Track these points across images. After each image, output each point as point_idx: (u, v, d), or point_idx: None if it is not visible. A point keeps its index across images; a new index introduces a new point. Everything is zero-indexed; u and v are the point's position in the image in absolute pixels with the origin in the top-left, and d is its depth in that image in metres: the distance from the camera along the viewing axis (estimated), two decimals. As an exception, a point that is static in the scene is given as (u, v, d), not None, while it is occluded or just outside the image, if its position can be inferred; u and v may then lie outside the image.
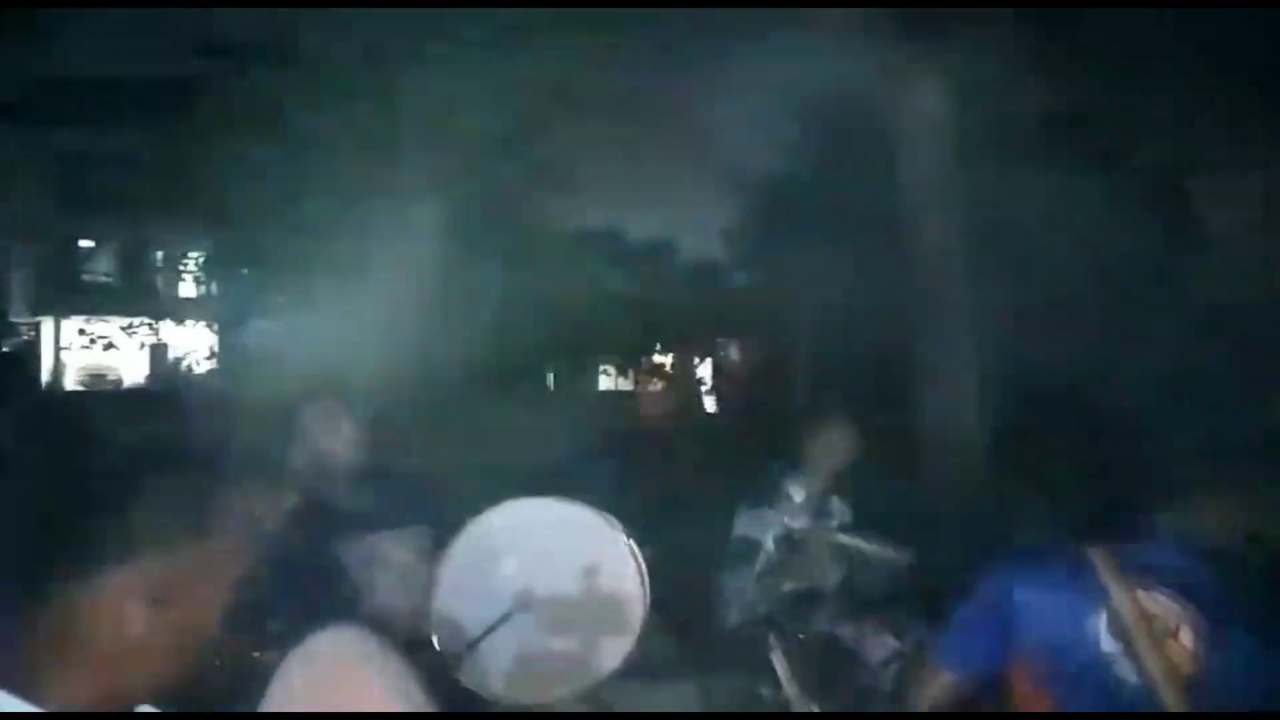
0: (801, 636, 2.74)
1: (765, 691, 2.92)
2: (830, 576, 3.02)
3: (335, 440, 2.77)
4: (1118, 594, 1.80)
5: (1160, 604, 1.80)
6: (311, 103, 6.57)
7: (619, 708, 4.07)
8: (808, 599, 2.98)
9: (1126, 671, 1.81)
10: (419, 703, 1.40)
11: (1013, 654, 1.96)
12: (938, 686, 2.18)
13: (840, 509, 3.40)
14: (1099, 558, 1.86)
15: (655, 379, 28.02)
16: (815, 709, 2.76)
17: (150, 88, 8.43)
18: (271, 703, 1.20)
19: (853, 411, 3.49)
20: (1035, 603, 1.92)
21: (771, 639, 2.89)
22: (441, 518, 2.96)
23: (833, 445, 3.33)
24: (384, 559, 2.79)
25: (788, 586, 3.05)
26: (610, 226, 28.34)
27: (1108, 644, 1.83)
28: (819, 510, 3.30)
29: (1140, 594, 1.81)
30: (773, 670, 2.86)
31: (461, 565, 2.79)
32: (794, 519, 3.21)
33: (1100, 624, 1.84)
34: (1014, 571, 1.98)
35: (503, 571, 2.81)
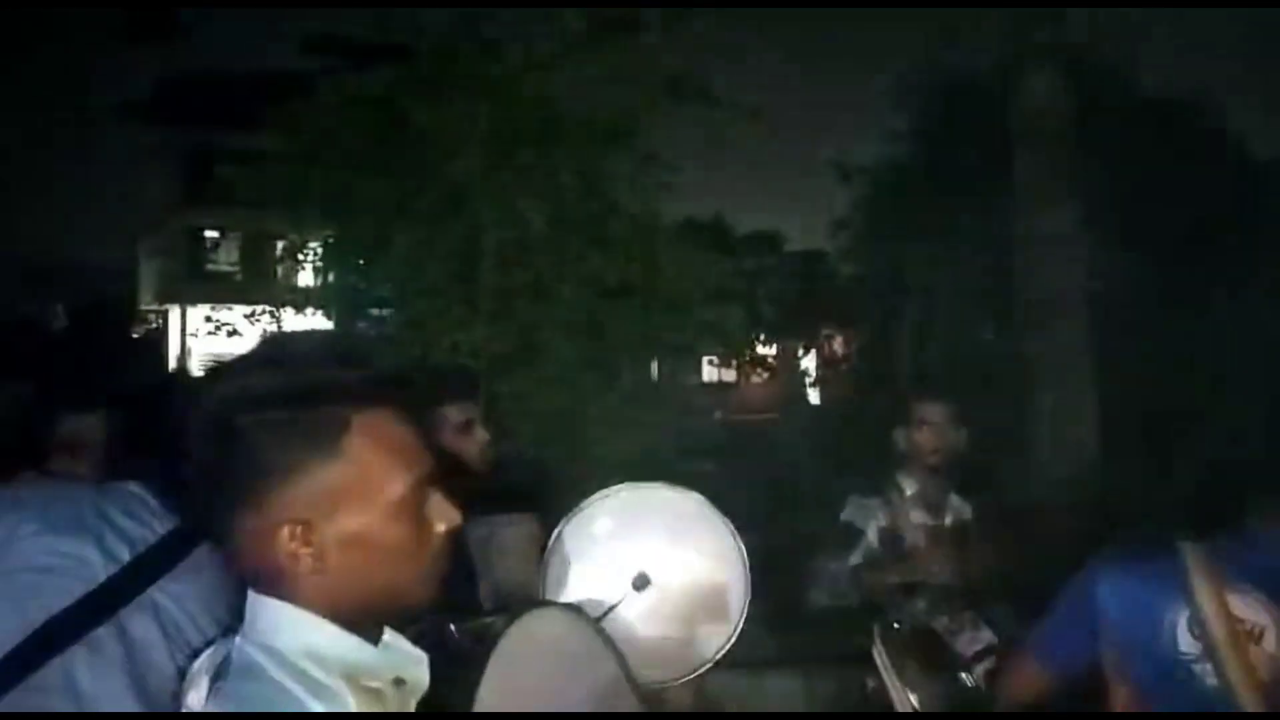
0: (897, 626, 2.76)
1: (870, 682, 2.94)
2: (931, 572, 3.03)
3: (468, 444, 2.88)
4: (1203, 594, 1.79)
5: (1247, 607, 1.79)
6: (425, 96, 6.77)
7: (724, 698, 4.14)
8: (906, 590, 3.00)
9: (1206, 673, 1.80)
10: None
11: (1098, 649, 1.97)
12: (1025, 678, 2.19)
13: (959, 505, 3.37)
14: (1191, 556, 1.85)
15: (760, 370, 27.93)
16: (914, 701, 2.77)
17: (271, 84, 8.75)
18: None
19: (960, 405, 3.46)
20: (1120, 597, 1.92)
21: (875, 630, 2.92)
22: (551, 504, 3.06)
23: (937, 439, 3.31)
24: (499, 542, 2.90)
25: (888, 579, 3.07)
26: (717, 217, 28.41)
27: (1187, 644, 1.82)
28: (933, 504, 3.30)
29: (1228, 595, 1.79)
30: (872, 661, 2.88)
31: (569, 548, 2.88)
32: (902, 510, 3.22)
33: (1181, 623, 1.83)
34: (1104, 565, 1.98)
35: (609, 555, 2.89)
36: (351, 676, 1.08)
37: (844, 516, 3.25)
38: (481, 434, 2.89)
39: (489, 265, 6.90)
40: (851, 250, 17.90)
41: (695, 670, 2.89)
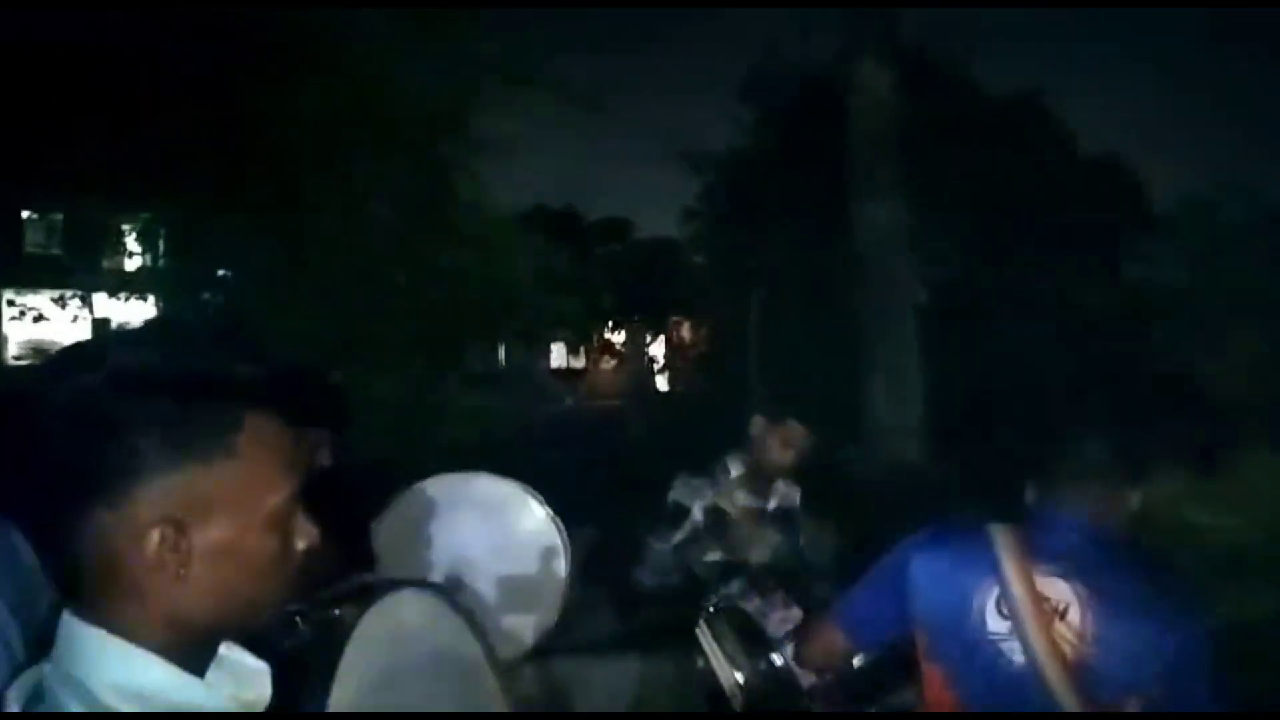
0: (714, 608, 2.78)
1: (700, 661, 2.95)
2: (751, 552, 3.07)
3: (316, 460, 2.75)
4: (1011, 573, 1.84)
5: (1051, 586, 1.84)
6: (253, 74, 6.50)
7: (564, 681, 4.12)
8: (725, 572, 3.03)
9: (1014, 651, 1.84)
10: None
11: (904, 622, 2.00)
12: (825, 643, 2.23)
13: (785, 491, 3.40)
14: (999, 537, 1.89)
15: (607, 357, 28.07)
16: (738, 679, 2.79)
17: (95, 57, 8.25)
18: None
19: (801, 398, 3.51)
20: (931, 576, 1.95)
21: (703, 612, 2.93)
22: (378, 491, 2.98)
23: (781, 433, 3.32)
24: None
25: (709, 557, 3.10)
26: (567, 206, 28.38)
27: (995, 623, 1.86)
28: (757, 488, 3.33)
29: (1035, 575, 1.84)
30: (700, 642, 2.90)
31: (390, 536, 2.82)
32: (727, 491, 3.25)
33: (990, 603, 1.88)
34: (916, 543, 2.02)
35: (428, 543, 2.85)
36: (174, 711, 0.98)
37: (672, 495, 3.26)
38: (328, 458, 2.79)
39: (319, 250, 6.68)
40: (700, 239, 18.15)
41: (515, 654, 2.88)
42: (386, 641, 1.33)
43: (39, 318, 11.43)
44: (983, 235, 11.53)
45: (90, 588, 0.99)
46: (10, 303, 17.12)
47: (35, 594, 1.68)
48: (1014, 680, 1.82)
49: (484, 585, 2.92)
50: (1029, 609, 1.81)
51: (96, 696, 0.96)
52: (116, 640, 0.98)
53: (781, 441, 3.20)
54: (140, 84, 6.99)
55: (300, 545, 1.07)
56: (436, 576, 2.87)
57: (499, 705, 1.56)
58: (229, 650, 1.09)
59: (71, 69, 7.82)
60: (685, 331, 22.93)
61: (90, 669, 0.97)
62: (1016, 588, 1.82)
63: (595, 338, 27.33)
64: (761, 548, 3.07)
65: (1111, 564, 1.83)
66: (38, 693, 0.98)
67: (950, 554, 1.96)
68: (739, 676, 2.81)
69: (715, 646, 2.88)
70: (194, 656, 1.03)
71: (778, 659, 2.72)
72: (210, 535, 0.99)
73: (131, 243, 7.91)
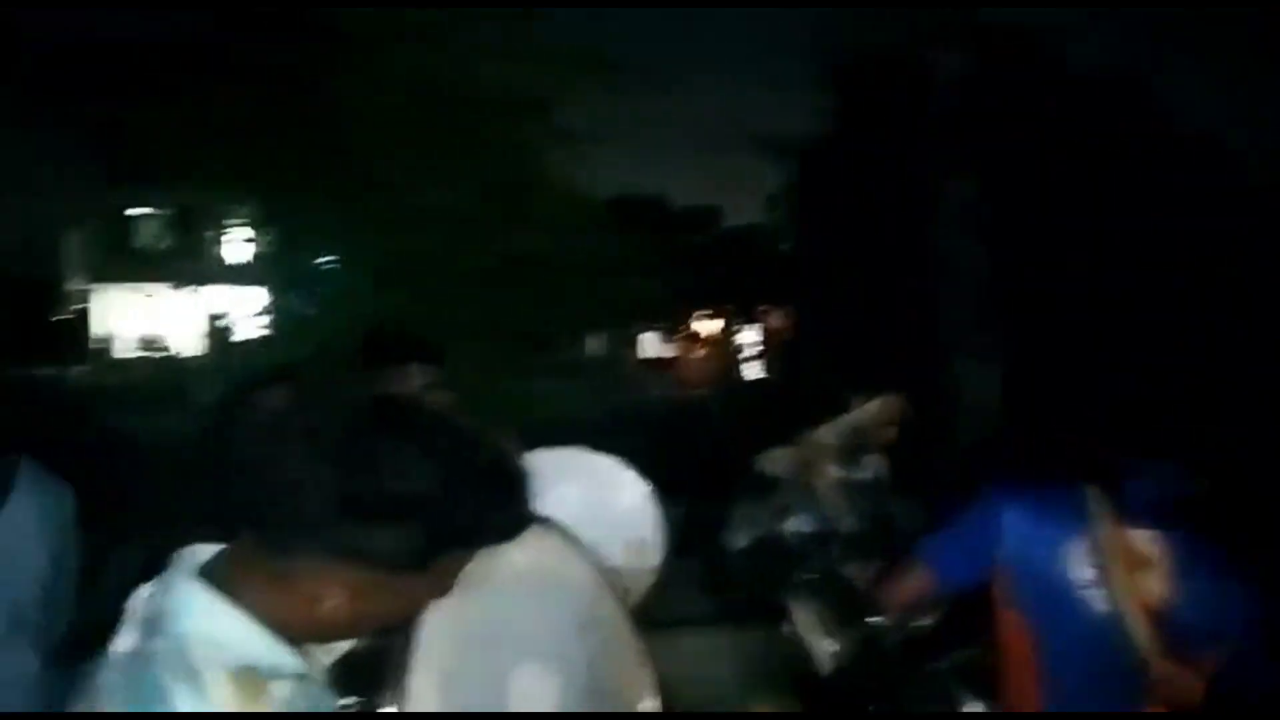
0: (810, 576, 2.83)
1: (788, 631, 2.99)
2: (843, 522, 3.11)
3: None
4: (1101, 525, 1.89)
5: (1140, 540, 1.89)
6: (338, 68, 6.68)
7: (659, 657, 4.19)
8: (819, 540, 3.08)
9: (1098, 599, 1.89)
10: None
11: (991, 568, 2.05)
12: (912, 584, 2.27)
13: (875, 463, 3.43)
14: (1093, 493, 1.94)
15: (695, 345, 28.13)
16: (830, 648, 2.83)
17: (182, 54, 8.55)
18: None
19: (893, 373, 3.55)
20: (1022, 523, 2.01)
21: (796, 580, 2.97)
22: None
23: (878, 406, 3.36)
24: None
25: (798, 525, 3.15)
26: (657, 194, 28.47)
27: (1083, 571, 1.91)
28: (849, 459, 3.37)
29: (1124, 529, 1.89)
30: (790, 611, 2.94)
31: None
32: (817, 462, 3.30)
33: (1079, 551, 1.92)
34: (1009, 493, 2.06)
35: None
36: (245, 670, 1.06)
37: (759, 467, 3.32)
38: (443, 397, 2.91)
39: (401, 235, 6.85)
40: (786, 226, 18.08)
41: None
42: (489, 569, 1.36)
43: (158, 312, 11.84)
44: (1065, 215, 11.30)
45: (235, 569, 1.09)
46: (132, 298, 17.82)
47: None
48: (1095, 628, 1.87)
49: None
50: (1116, 558, 1.85)
51: (184, 649, 1.05)
52: (217, 601, 1.07)
53: (879, 414, 3.25)
54: (229, 76, 7.20)
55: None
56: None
57: (620, 625, 1.62)
58: None
59: (164, 64, 8.10)
60: (773, 319, 22.86)
61: (183, 619, 1.07)
62: (1105, 538, 1.87)
63: (682, 327, 27.42)
64: (852, 517, 3.11)
65: (1195, 525, 1.87)
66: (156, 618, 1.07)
67: (1042, 503, 2.01)
68: (831, 644, 2.86)
69: (807, 614, 2.93)
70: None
71: (870, 627, 2.76)
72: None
73: (228, 234, 8.17)
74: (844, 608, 2.83)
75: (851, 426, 3.31)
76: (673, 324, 26.30)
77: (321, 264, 7.84)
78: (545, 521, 1.59)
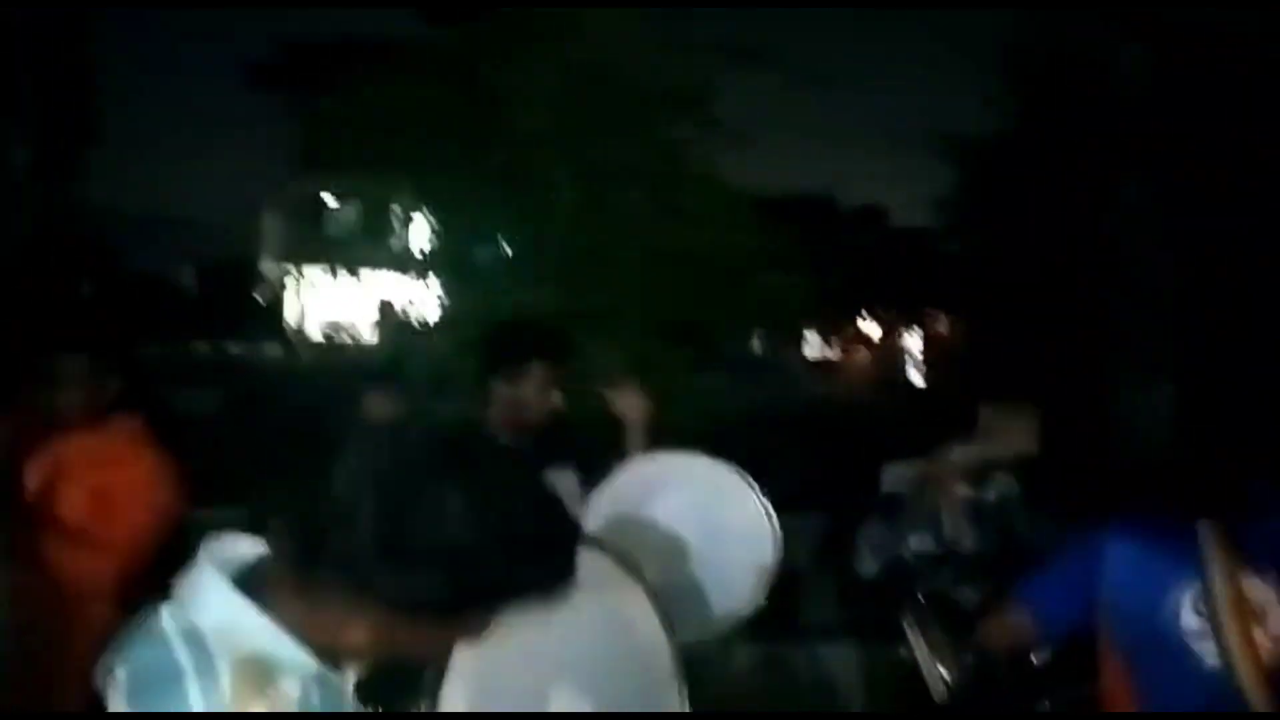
0: (925, 598, 2.75)
1: (904, 653, 2.94)
2: (962, 539, 3.00)
3: (541, 398, 2.95)
4: (1216, 571, 1.74)
5: (1255, 587, 1.74)
6: (496, 56, 6.85)
7: (782, 666, 4.19)
8: (937, 561, 2.99)
9: (1206, 652, 1.75)
10: None
11: (1092, 611, 1.93)
12: (1009, 628, 2.17)
13: (1006, 481, 3.31)
14: (1207, 531, 1.80)
15: (859, 348, 27.64)
16: (944, 674, 2.76)
17: (360, 48, 8.95)
18: None
19: (1034, 387, 3.41)
20: (1127, 566, 1.88)
21: (912, 603, 2.91)
22: (595, 464, 3.11)
23: (1008, 424, 3.24)
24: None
25: (917, 545, 3.06)
26: (825, 191, 28.12)
27: (1190, 620, 1.77)
28: (976, 478, 3.26)
29: (1240, 575, 1.74)
30: (906, 633, 2.88)
31: (605, 507, 2.95)
32: (943, 481, 3.20)
33: (1187, 599, 1.78)
34: (1113, 532, 1.94)
35: (640, 518, 2.96)
36: (255, 660, 1.09)
37: (886, 486, 3.24)
38: (557, 395, 2.97)
39: (557, 226, 6.98)
40: (955, 228, 17.50)
41: (715, 633, 2.94)
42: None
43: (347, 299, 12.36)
44: (1248, 219, 10.50)
45: (268, 576, 1.13)
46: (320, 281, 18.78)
47: None
48: (1203, 680, 1.74)
49: (690, 567, 2.99)
50: (1230, 609, 1.71)
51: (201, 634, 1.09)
52: (234, 595, 1.10)
53: (1002, 431, 3.12)
54: (405, 69, 7.46)
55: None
56: (645, 552, 2.96)
57: (661, 650, 1.57)
58: None
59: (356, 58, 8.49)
60: (940, 323, 22.20)
61: (200, 606, 1.11)
62: (1219, 586, 1.73)
63: (848, 328, 27.03)
64: (975, 539, 3.00)
65: None
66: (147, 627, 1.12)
67: (1149, 546, 1.88)
68: (944, 671, 2.78)
69: (921, 639, 2.86)
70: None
71: (982, 658, 2.67)
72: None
73: (398, 223, 8.48)
74: (958, 636, 2.75)
75: (982, 442, 3.19)
76: (837, 325, 25.95)
77: (485, 256, 8.09)
78: (596, 542, 1.59)
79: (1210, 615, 1.74)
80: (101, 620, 2.19)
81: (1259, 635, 1.71)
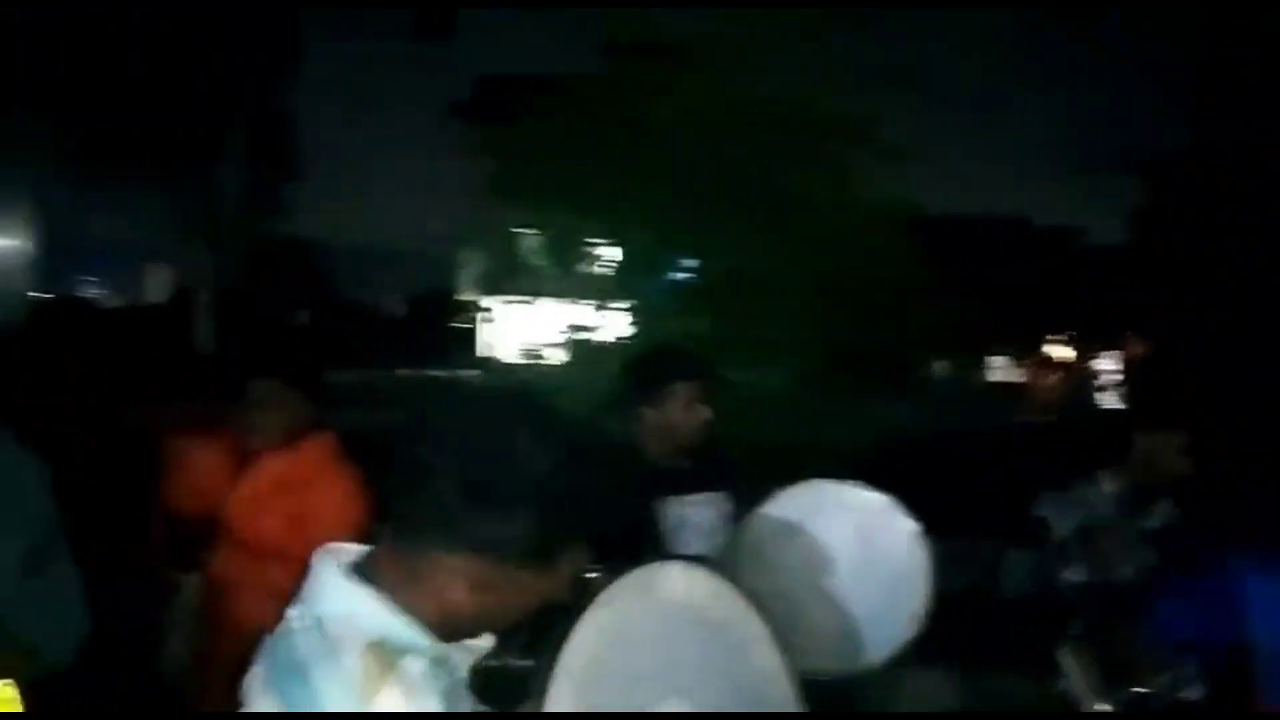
0: (1078, 631, 2.72)
1: (1061, 687, 2.90)
2: (1123, 571, 2.94)
3: (686, 419, 3.08)
4: None
5: None
6: (662, 90, 7.04)
7: (920, 696, 4.14)
8: (1097, 592, 2.94)
9: None
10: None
11: (1225, 639, 1.90)
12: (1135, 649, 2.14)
13: (1166, 511, 3.23)
14: None
15: (1048, 372, 26.46)
16: (1099, 705, 2.72)
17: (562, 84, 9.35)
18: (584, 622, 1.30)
19: (1197, 409, 3.31)
20: (1270, 598, 1.85)
21: (1068, 633, 2.88)
22: (750, 488, 3.20)
23: (1163, 448, 3.17)
24: (692, 520, 3.09)
25: (1074, 577, 3.01)
26: (1014, 211, 27.21)
27: None
28: (1134, 506, 3.19)
29: None
30: (1059, 664, 2.85)
31: (755, 537, 3.03)
32: (1098, 509, 3.15)
33: None
34: (1252, 561, 1.91)
35: (793, 546, 3.02)
36: (377, 644, 1.17)
37: (1037, 511, 3.20)
38: (704, 410, 3.09)
39: (720, 255, 7.11)
40: (1152, 246, 16.70)
41: (866, 665, 2.96)
42: (637, 600, 1.38)
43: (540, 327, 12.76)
44: None
45: (377, 564, 1.25)
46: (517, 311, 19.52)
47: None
48: None
49: (843, 596, 3.03)
50: None
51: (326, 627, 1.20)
52: (362, 589, 1.22)
53: (1159, 453, 3.06)
54: (573, 102, 7.74)
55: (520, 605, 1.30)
56: (797, 580, 3.02)
57: (780, 685, 1.52)
58: None
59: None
60: (1130, 345, 21.09)
61: (326, 602, 1.23)
62: None
63: (1035, 352, 26.00)
64: (1132, 569, 2.94)
65: None
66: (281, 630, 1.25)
67: None
68: (1101, 705, 2.75)
69: (1077, 671, 2.83)
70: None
71: (1149, 688, 2.63)
72: (500, 600, 1.26)
73: (573, 252, 8.76)
74: (1115, 668, 2.71)
75: (1135, 468, 3.13)
76: (1025, 348, 25.02)
77: (656, 281, 8.29)
78: (699, 560, 1.63)
79: None
80: None
81: None
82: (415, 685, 1.15)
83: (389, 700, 1.12)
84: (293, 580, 2.60)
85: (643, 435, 3.12)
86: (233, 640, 2.44)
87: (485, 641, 1.33)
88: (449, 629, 1.25)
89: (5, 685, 1.81)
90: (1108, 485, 3.19)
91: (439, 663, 1.21)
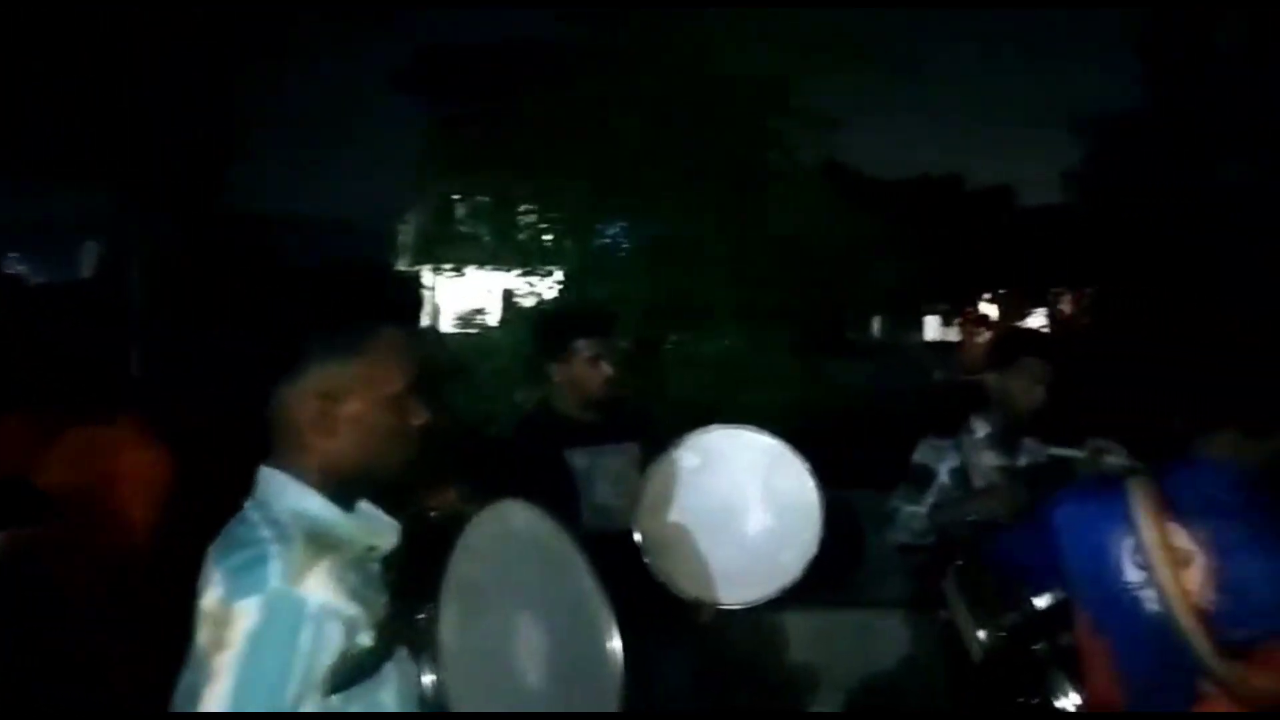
0: (963, 564, 2.86)
1: (943, 616, 3.05)
2: (1001, 512, 3.10)
3: (590, 375, 3.18)
4: (1143, 524, 1.88)
5: (1181, 535, 1.86)
6: (593, 62, 7.07)
7: (803, 634, 4.32)
8: (971, 529, 3.10)
9: (1148, 599, 1.88)
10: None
11: (1054, 574, 2.07)
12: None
13: (1034, 447, 3.39)
14: (1134, 488, 1.94)
15: (980, 330, 26.97)
16: (981, 637, 2.85)
17: (510, 53, 9.29)
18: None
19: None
20: (1072, 527, 2.02)
21: (948, 568, 3.02)
22: (656, 438, 3.33)
23: (1024, 383, 3.32)
24: (601, 467, 3.22)
25: (960, 518, 3.18)
26: (946, 171, 27.46)
27: (1131, 572, 1.90)
28: (1004, 446, 3.36)
29: (1166, 524, 1.87)
30: (943, 597, 3.00)
31: (661, 479, 3.18)
32: (974, 452, 3.32)
33: (1126, 552, 1.92)
34: (1062, 496, 2.08)
35: (695, 487, 3.17)
36: (321, 535, 1.43)
37: (916, 458, 3.35)
38: (606, 368, 3.20)
39: (651, 222, 7.17)
40: (1083, 205, 17.03)
41: (764, 595, 3.13)
42: (499, 536, 1.70)
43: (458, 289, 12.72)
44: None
45: (277, 443, 1.50)
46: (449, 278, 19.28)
47: None
48: (1152, 627, 1.87)
49: (741, 534, 3.20)
50: (1158, 558, 1.85)
51: (277, 517, 1.44)
52: (286, 477, 1.48)
53: (1021, 385, 3.22)
54: (528, 73, 7.73)
55: (415, 423, 1.54)
56: (700, 519, 3.19)
57: (594, 596, 1.87)
58: (366, 505, 1.55)
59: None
60: (1065, 303, 21.54)
61: (272, 499, 1.48)
62: (1146, 538, 1.87)
63: (968, 310, 26.46)
64: (1010, 506, 3.09)
65: (1240, 511, 1.83)
66: (240, 517, 1.47)
67: (1090, 508, 2.02)
68: (980, 633, 2.90)
69: (959, 603, 2.98)
70: (339, 501, 1.50)
71: (1015, 617, 2.78)
72: (349, 408, 1.49)
73: (518, 220, 8.74)
74: (991, 600, 2.85)
75: (999, 410, 3.31)
76: (959, 307, 25.48)
77: (595, 249, 8.33)
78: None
79: (1146, 564, 1.88)
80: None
81: (1187, 580, 1.83)
82: (334, 575, 1.39)
83: (313, 582, 1.36)
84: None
85: (552, 390, 3.25)
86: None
87: (391, 538, 1.56)
88: (342, 480, 1.51)
89: None
90: (980, 429, 3.35)
91: (359, 560, 1.47)
